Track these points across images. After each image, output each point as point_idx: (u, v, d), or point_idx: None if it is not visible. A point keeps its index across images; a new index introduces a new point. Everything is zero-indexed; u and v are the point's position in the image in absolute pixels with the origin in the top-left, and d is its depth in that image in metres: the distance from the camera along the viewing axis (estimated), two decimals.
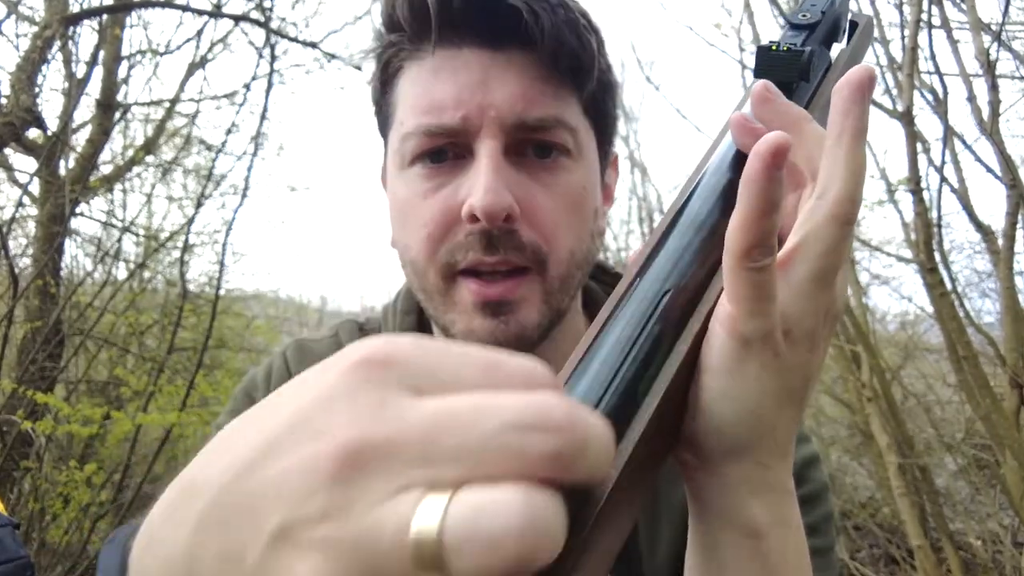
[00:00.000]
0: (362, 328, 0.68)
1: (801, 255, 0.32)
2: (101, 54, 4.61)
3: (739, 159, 0.35)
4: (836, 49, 0.43)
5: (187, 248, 4.21)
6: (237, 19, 3.93)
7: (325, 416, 0.20)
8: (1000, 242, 2.98)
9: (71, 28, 4.12)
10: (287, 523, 0.19)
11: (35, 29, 4.00)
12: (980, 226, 3.18)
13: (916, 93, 2.83)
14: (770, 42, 0.37)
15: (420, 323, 0.61)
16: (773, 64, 0.36)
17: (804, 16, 0.38)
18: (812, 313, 0.32)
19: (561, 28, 0.46)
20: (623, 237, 6.77)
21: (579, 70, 0.49)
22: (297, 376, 0.23)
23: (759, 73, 0.37)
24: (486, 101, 0.46)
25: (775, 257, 0.30)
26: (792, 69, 0.34)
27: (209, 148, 5.74)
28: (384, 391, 0.20)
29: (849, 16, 0.43)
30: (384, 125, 0.56)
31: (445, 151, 0.49)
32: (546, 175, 0.50)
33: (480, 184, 0.46)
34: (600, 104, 0.53)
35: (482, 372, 0.21)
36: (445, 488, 0.19)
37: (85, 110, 5.24)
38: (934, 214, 2.64)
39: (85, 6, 4.03)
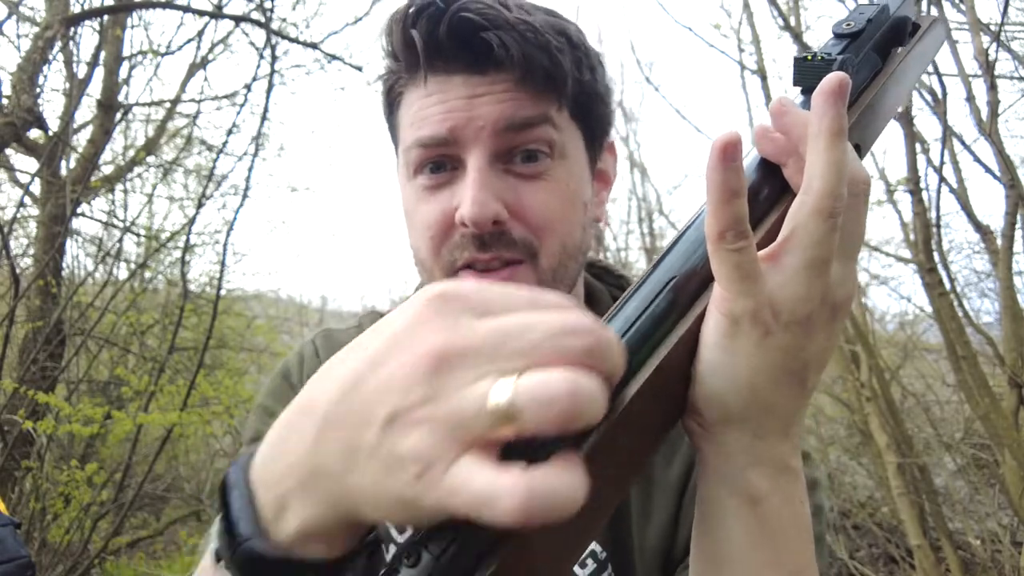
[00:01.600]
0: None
1: (789, 245, 0.36)
2: (102, 55, 4.62)
3: (759, 165, 0.39)
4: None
5: (188, 248, 4.22)
6: (238, 20, 3.94)
7: (415, 334, 0.28)
8: (999, 242, 2.99)
9: (72, 29, 4.12)
10: (395, 410, 0.27)
11: (36, 30, 4.01)
12: (979, 226, 3.18)
13: (915, 93, 2.84)
14: (806, 52, 0.40)
15: None
16: (805, 73, 0.40)
17: (848, 25, 0.40)
18: (805, 299, 0.36)
19: (531, 51, 0.52)
20: (623, 237, 6.78)
21: (554, 82, 0.54)
22: (368, 329, 0.31)
23: (795, 82, 0.41)
24: (472, 114, 0.53)
25: (750, 240, 0.34)
26: (822, 77, 0.35)
27: (210, 148, 5.75)
28: (457, 314, 0.28)
29: (913, 18, 0.45)
30: (394, 143, 0.63)
31: (444, 163, 0.55)
32: (533, 177, 0.55)
33: (467, 196, 0.52)
34: (585, 107, 0.58)
35: (526, 302, 0.29)
36: (511, 374, 0.26)
37: (86, 110, 5.25)
38: (933, 214, 2.65)
39: (86, 7, 4.04)
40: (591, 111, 0.59)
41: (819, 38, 4.67)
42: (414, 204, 0.58)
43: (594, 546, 0.60)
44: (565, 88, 0.55)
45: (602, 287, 0.70)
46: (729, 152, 0.33)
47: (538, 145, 0.55)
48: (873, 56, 0.42)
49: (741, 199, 0.34)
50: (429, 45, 0.53)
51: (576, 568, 0.59)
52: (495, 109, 0.53)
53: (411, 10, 0.53)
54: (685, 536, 0.56)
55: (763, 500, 0.38)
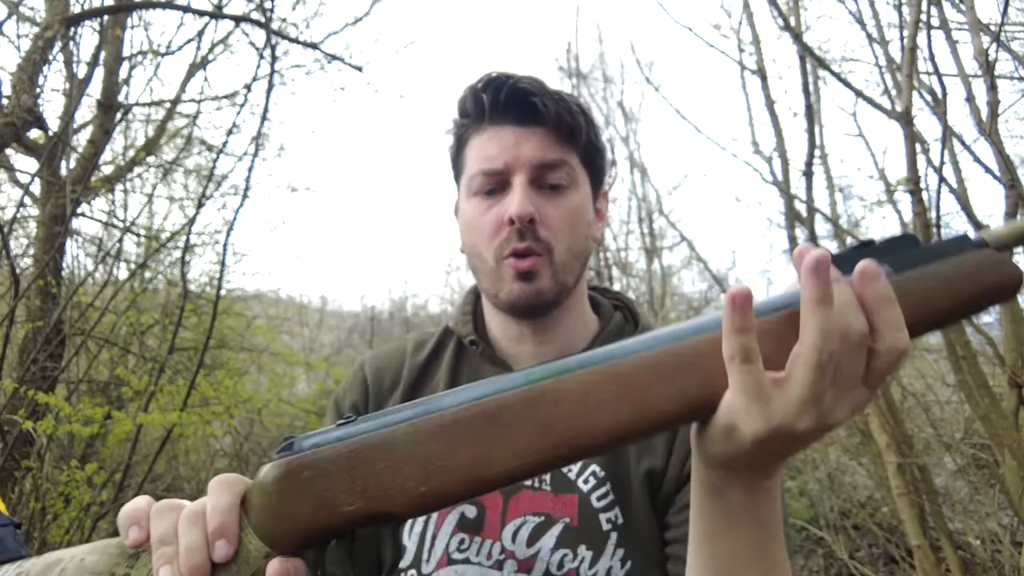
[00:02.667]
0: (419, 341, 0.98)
1: (787, 382, 0.45)
2: (102, 55, 4.62)
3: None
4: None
5: (188, 248, 4.22)
6: (238, 20, 3.94)
7: None
8: None
9: (72, 29, 4.12)
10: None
11: (36, 30, 4.01)
12: (979, 226, 3.18)
13: (915, 94, 2.84)
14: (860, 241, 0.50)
15: (475, 314, 0.92)
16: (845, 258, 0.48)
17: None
18: (798, 423, 0.44)
19: (562, 112, 0.79)
20: (623, 237, 6.78)
21: (572, 135, 0.80)
22: None
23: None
24: (518, 154, 0.78)
25: (754, 366, 0.44)
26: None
27: (210, 149, 5.75)
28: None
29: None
30: (458, 173, 0.87)
31: (496, 188, 0.80)
32: (555, 199, 0.80)
33: (516, 200, 0.77)
34: (591, 158, 0.85)
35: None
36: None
37: (86, 110, 5.25)
38: (933, 214, 2.65)
39: (86, 7, 4.03)
40: (595, 162, 0.85)
41: (818, 38, 4.67)
42: (477, 214, 0.81)
43: (594, 467, 0.79)
44: (580, 142, 0.81)
45: (604, 300, 0.94)
46: (738, 299, 0.44)
47: (559, 178, 0.80)
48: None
49: (748, 334, 0.44)
50: (495, 104, 0.79)
51: (580, 483, 0.78)
52: (534, 150, 0.79)
53: (481, 81, 0.81)
54: (676, 468, 0.77)
55: (736, 505, 0.51)
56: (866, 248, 0.49)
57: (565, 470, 0.79)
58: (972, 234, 0.48)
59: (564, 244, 0.79)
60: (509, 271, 0.78)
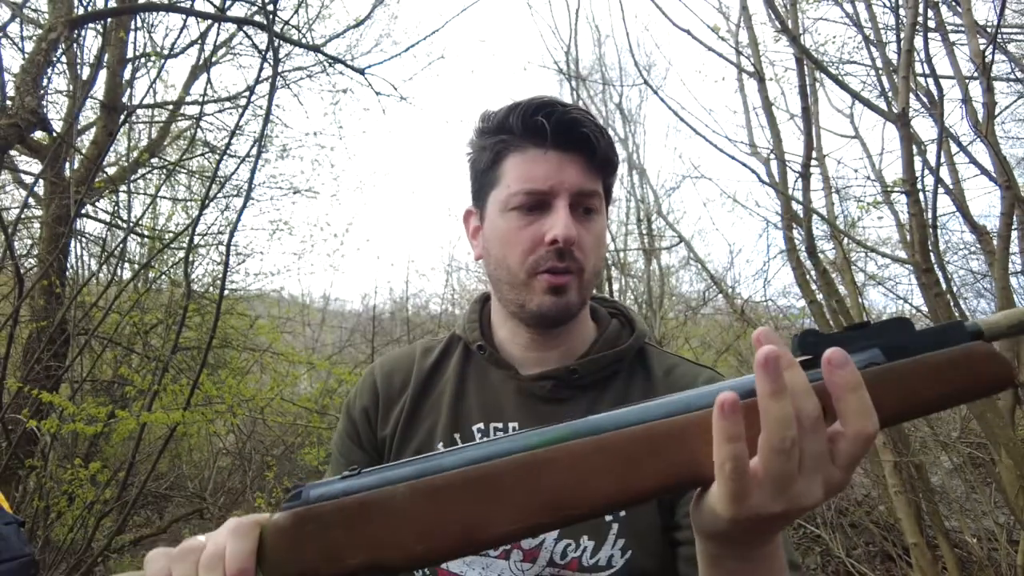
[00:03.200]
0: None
1: (760, 471, 0.46)
2: (106, 57, 4.65)
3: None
4: None
5: (191, 249, 4.25)
6: (241, 23, 3.96)
7: None
8: (995, 243, 3.01)
9: (76, 31, 4.15)
10: None
11: (40, 32, 4.04)
12: (975, 227, 3.21)
13: (911, 96, 2.86)
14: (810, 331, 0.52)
15: (481, 321, 0.96)
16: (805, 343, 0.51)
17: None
18: (772, 507, 0.47)
19: (605, 145, 0.84)
20: (622, 238, 6.81)
21: (609, 166, 0.86)
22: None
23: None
24: (562, 179, 0.82)
25: (743, 468, 0.46)
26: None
27: (213, 150, 5.79)
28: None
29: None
30: (486, 185, 0.88)
31: (535, 206, 0.83)
32: (588, 223, 0.85)
33: (561, 223, 0.80)
34: (610, 186, 0.90)
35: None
36: None
37: (90, 112, 5.29)
38: (929, 215, 2.67)
39: (90, 9, 4.06)
40: (611, 189, 0.91)
41: (817, 40, 4.70)
42: (513, 228, 0.84)
43: None
44: (613, 174, 0.88)
45: (601, 308, 0.98)
46: (727, 409, 0.46)
47: (592, 204, 0.85)
48: (876, 351, 0.50)
49: (739, 442, 0.46)
50: (543, 127, 0.81)
51: None
52: (577, 178, 0.83)
53: (534, 104, 0.83)
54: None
55: (741, 556, 0.54)
56: (861, 329, 0.50)
57: None
58: (969, 320, 0.50)
59: (592, 264, 0.84)
60: (542, 285, 0.82)
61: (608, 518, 0.80)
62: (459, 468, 0.50)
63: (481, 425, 0.87)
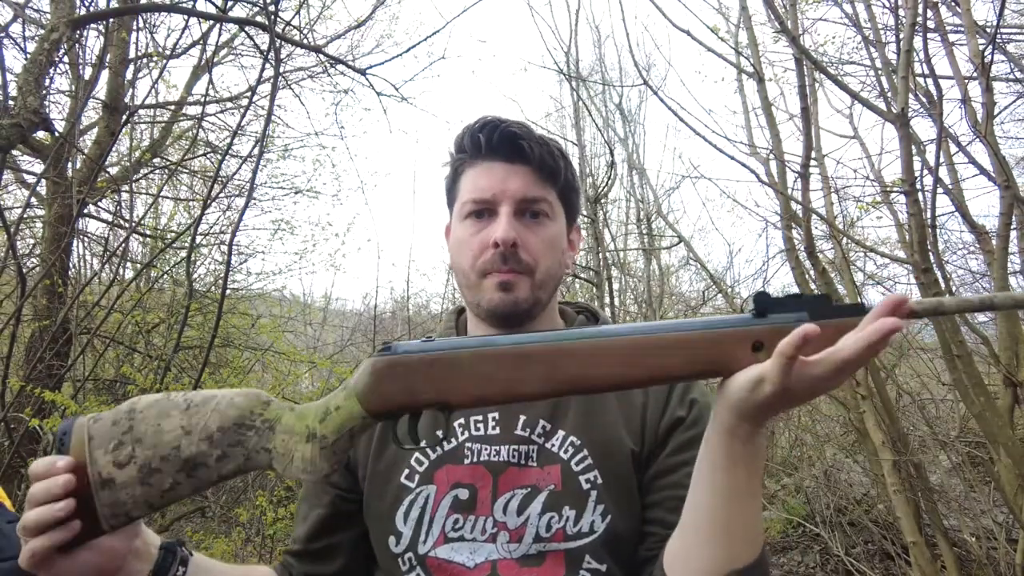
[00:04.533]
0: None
1: (813, 365, 0.62)
2: (108, 57, 4.66)
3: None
4: None
5: (193, 248, 4.26)
6: (242, 23, 3.98)
7: None
8: (994, 242, 3.02)
9: (78, 31, 4.17)
10: None
11: (42, 32, 4.05)
12: (974, 227, 3.21)
13: (911, 96, 2.87)
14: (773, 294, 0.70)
15: (457, 328, 1.05)
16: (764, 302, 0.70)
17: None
18: (796, 390, 0.64)
19: (544, 153, 0.91)
20: (622, 238, 6.82)
21: (553, 175, 0.93)
22: None
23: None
24: (505, 188, 0.90)
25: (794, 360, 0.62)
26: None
27: (215, 150, 5.80)
28: None
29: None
30: (452, 199, 0.99)
31: (483, 213, 0.92)
32: (535, 227, 0.92)
33: (501, 227, 0.88)
34: (567, 196, 0.97)
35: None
36: None
37: (92, 112, 5.30)
38: (928, 215, 2.68)
39: (92, 9, 4.08)
40: (569, 199, 0.98)
41: (816, 40, 4.70)
42: (466, 236, 0.92)
43: (572, 437, 0.90)
44: (559, 180, 0.94)
45: (569, 309, 1.06)
46: (808, 341, 0.61)
47: (540, 208, 0.92)
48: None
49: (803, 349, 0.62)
50: (488, 142, 0.91)
51: (561, 453, 0.89)
52: (519, 185, 0.91)
53: (478, 123, 0.93)
54: (651, 439, 0.90)
55: (741, 440, 0.67)
56: (796, 298, 0.69)
57: (548, 444, 0.90)
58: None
59: (544, 265, 0.91)
60: (491, 283, 0.90)
61: (587, 486, 0.87)
62: (510, 344, 0.70)
63: (462, 420, 0.93)
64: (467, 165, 0.95)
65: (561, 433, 0.90)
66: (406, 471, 0.91)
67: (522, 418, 0.91)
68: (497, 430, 0.91)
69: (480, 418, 0.92)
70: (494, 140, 0.91)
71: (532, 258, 0.90)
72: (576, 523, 0.85)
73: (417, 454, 0.92)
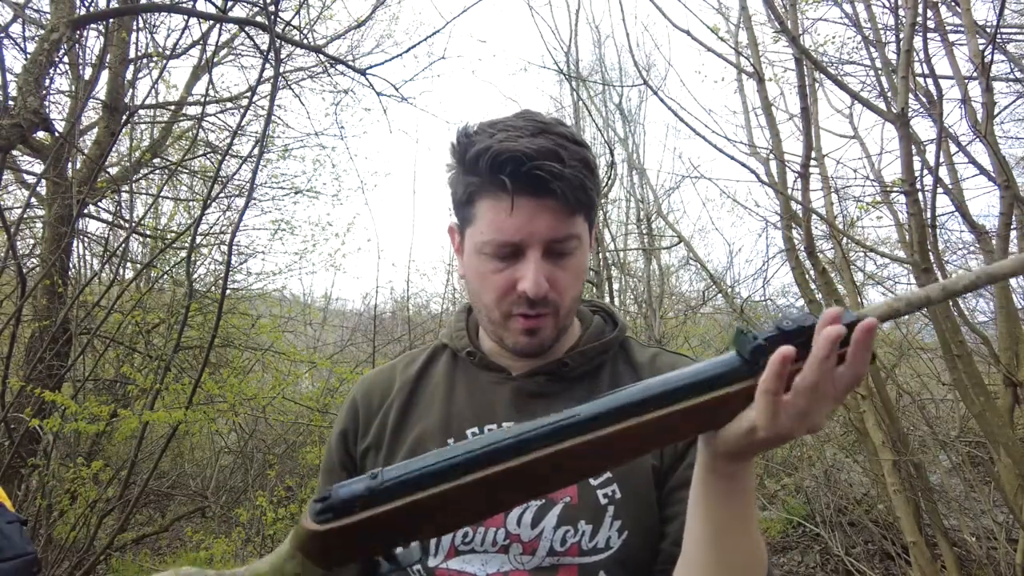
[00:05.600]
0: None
1: (790, 403, 0.58)
2: (108, 57, 4.66)
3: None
4: None
5: (193, 248, 4.26)
6: (242, 23, 3.98)
7: None
8: (994, 242, 3.02)
9: (78, 31, 4.17)
10: None
11: (42, 32, 4.05)
12: (974, 226, 3.21)
13: (911, 96, 2.87)
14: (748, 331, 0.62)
15: (468, 328, 0.99)
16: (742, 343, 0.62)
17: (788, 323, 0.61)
18: (791, 431, 0.59)
19: (578, 194, 0.80)
20: (622, 238, 6.82)
21: (585, 208, 0.83)
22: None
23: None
24: (533, 230, 0.81)
25: (780, 399, 0.57)
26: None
27: (215, 150, 5.80)
28: None
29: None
30: (463, 217, 0.88)
31: (507, 256, 0.83)
32: (564, 263, 0.84)
33: (530, 278, 0.81)
34: (592, 213, 0.87)
35: None
36: None
37: (92, 112, 5.30)
38: (928, 215, 2.68)
39: (92, 9, 4.08)
40: (593, 213, 0.88)
41: (816, 40, 4.70)
42: (487, 272, 0.85)
43: None
44: (593, 207, 0.85)
45: (584, 308, 1.01)
46: (782, 369, 0.57)
47: (569, 247, 0.84)
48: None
49: (781, 383, 0.58)
50: (515, 182, 0.79)
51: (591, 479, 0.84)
52: (549, 227, 0.81)
53: (502, 155, 0.79)
54: (670, 453, 0.85)
55: (733, 477, 0.64)
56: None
57: None
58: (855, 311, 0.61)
59: (569, 297, 0.85)
60: (516, 326, 0.85)
61: (604, 501, 0.83)
62: (473, 477, 0.57)
63: (475, 428, 0.88)
64: (484, 193, 0.83)
65: None
66: None
67: None
68: None
69: (494, 427, 0.88)
70: (521, 178, 0.79)
71: (559, 296, 0.84)
72: (592, 538, 0.82)
73: None
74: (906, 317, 5.40)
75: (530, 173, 0.78)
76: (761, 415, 0.58)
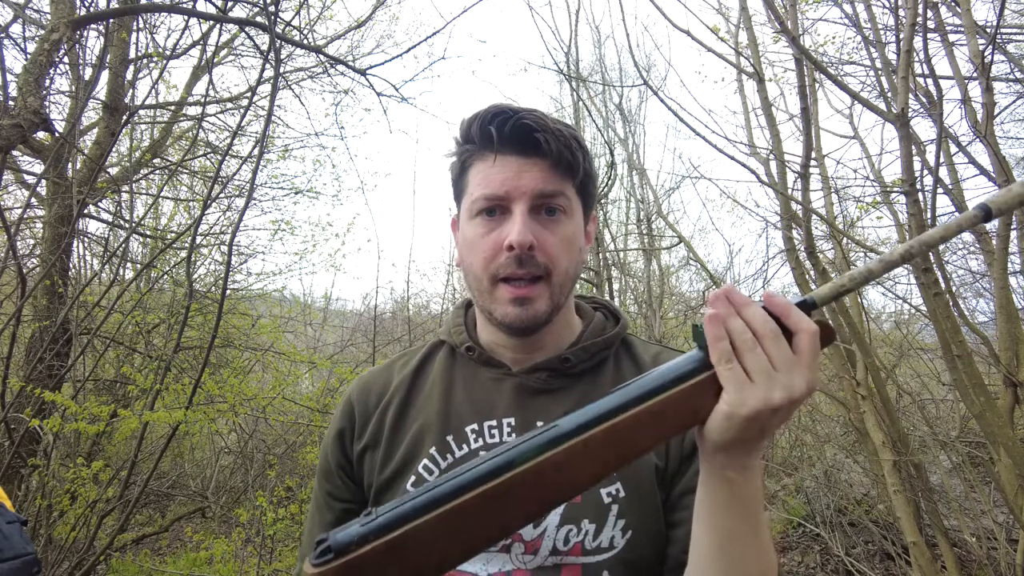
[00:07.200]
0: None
1: (746, 371, 0.60)
2: (108, 57, 4.66)
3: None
4: None
5: (193, 249, 4.26)
6: (242, 24, 3.98)
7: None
8: (994, 242, 3.02)
9: (78, 31, 4.17)
10: None
11: (42, 32, 4.05)
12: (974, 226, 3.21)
13: (911, 96, 2.87)
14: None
15: (467, 324, 0.98)
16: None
17: None
18: (771, 398, 0.59)
19: (561, 147, 0.83)
20: (622, 238, 6.82)
21: (570, 168, 0.85)
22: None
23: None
24: (519, 184, 0.83)
25: (736, 363, 0.60)
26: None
27: (215, 151, 5.81)
28: None
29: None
30: (459, 193, 0.92)
31: (495, 210, 0.85)
32: (552, 225, 0.85)
33: (516, 229, 0.82)
34: (585, 187, 0.90)
35: None
36: None
37: (92, 113, 5.31)
38: (928, 215, 2.68)
39: (92, 10, 4.08)
40: (587, 190, 0.91)
41: (816, 40, 4.70)
42: (476, 236, 0.86)
43: None
44: (577, 174, 0.87)
45: (585, 304, 1.01)
46: (715, 320, 0.62)
47: (557, 204, 0.85)
48: None
49: (724, 341, 0.61)
50: (501, 135, 0.83)
51: None
52: (535, 181, 0.83)
53: (489, 113, 0.84)
54: (676, 455, 0.85)
55: (734, 483, 0.64)
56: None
57: None
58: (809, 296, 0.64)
59: (562, 267, 0.85)
60: (504, 295, 0.84)
61: (607, 500, 0.82)
62: (469, 496, 0.57)
63: (475, 426, 0.88)
64: (476, 157, 0.87)
65: None
66: (413, 479, 0.87)
67: (539, 424, 0.86)
68: (513, 437, 0.86)
69: (494, 423, 0.88)
70: (507, 132, 0.83)
71: (550, 260, 0.83)
72: (595, 538, 0.81)
73: (427, 461, 0.86)
74: (906, 317, 5.40)
75: (515, 126, 0.83)
76: (727, 388, 0.59)
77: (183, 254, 5.05)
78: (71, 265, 4.93)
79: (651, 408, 0.60)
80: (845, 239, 3.84)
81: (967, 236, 4.35)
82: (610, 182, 5.21)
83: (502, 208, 0.84)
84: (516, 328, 0.85)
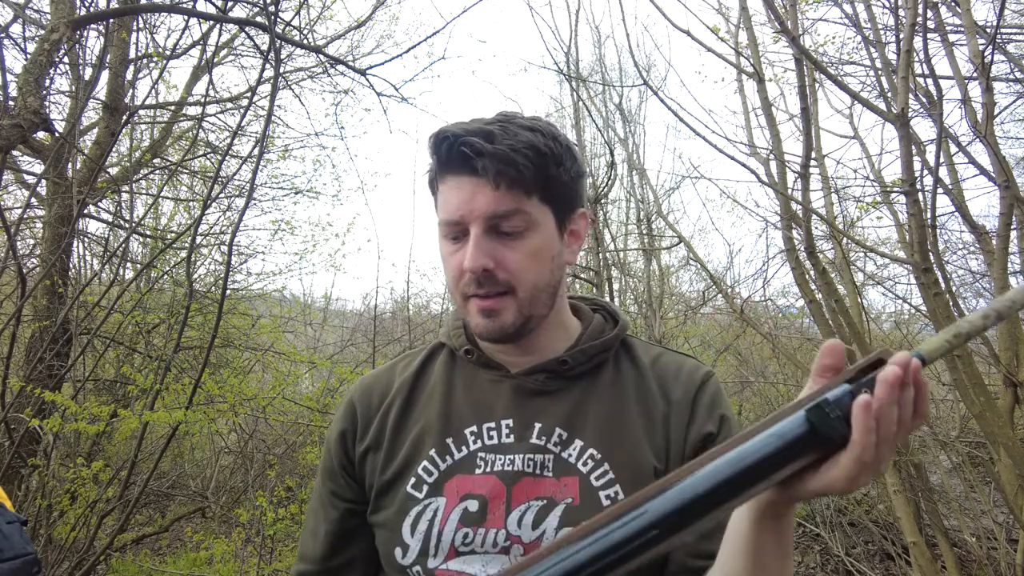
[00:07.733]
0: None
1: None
2: (108, 57, 4.66)
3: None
4: None
5: (193, 249, 4.26)
6: (242, 24, 3.98)
7: None
8: (994, 242, 3.02)
9: (78, 31, 4.17)
10: None
11: (42, 32, 4.05)
12: (974, 227, 3.22)
13: (911, 96, 2.87)
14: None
15: (465, 327, 0.97)
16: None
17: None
18: (862, 481, 0.57)
19: (501, 168, 0.80)
20: (622, 238, 6.82)
21: (521, 185, 0.82)
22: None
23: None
24: (472, 206, 0.82)
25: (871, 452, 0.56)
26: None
27: (215, 151, 5.81)
28: None
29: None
30: (436, 207, 0.91)
31: (459, 234, 0.85)
32: (511, 242, 0.84)
33: (468, 254, 0.82)
34: (553, 192, 0.86)
35: None
36: None
37: (92, 113, 5.31)
38: (928, 215, 2.68)
39: (92, 10, 4.08)
40: (557, 195, 0.87)
41: (816, 40, 4.70)
42: (446, 256, 0.88)
43: (591, 450, 0.85)
44: (531, 186, 0.83)
45: (583, 305, 1.00)
46: (864, 412, 0.55)
47: (514, 226, 0.83)
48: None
49: (874, 435, 0.56)
50: (446, 160, 0.84)
51: (579, 466, 0.84)
52: (486, 203, 0.82)
53: (440, 134, 0.84)
54: (676, 456, 0.84)
55: (786, 516, 0.63)
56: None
57: (564, 454, 0.85)
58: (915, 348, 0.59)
59: (529, 282, 0.84)
60: (474, 308, 0.85)
61: (606, 502, 0.82)
62: None
63: (474, 427, 0.88)
64: (440, 178, 0.87)
65: (579, 443, 0.85)
66: (413, 480, 0.87)
67: (537, 426, 0.86)
68: (511, 438, 0.86)
69: (493, 425, 0.88)
70: (453, 156, 0.82)
71: (511, 276, 0.83)
72: None
73: (426, 463, 0.87)
74: (906, 317, 5.40)
75: (456, 150, 0.82)
76: (850, 469, 0.56)
77: (183, 254, 5.05)
78: (71, 265, 4.93)
79: (754, 493, 0.57)
80: (845, 239, 3.84)
81: (967, 236, 4.35)
82: (610, 182, 5.21)
83: (462, 231, 0.84)
84: (487, 339, 0.87)
